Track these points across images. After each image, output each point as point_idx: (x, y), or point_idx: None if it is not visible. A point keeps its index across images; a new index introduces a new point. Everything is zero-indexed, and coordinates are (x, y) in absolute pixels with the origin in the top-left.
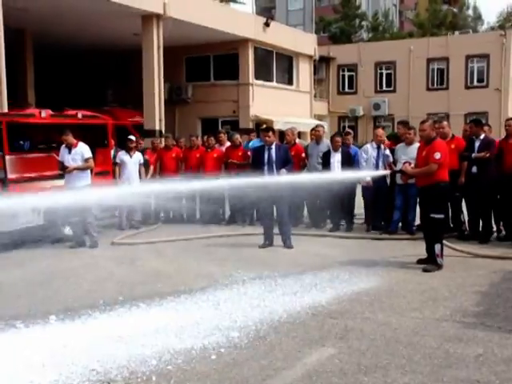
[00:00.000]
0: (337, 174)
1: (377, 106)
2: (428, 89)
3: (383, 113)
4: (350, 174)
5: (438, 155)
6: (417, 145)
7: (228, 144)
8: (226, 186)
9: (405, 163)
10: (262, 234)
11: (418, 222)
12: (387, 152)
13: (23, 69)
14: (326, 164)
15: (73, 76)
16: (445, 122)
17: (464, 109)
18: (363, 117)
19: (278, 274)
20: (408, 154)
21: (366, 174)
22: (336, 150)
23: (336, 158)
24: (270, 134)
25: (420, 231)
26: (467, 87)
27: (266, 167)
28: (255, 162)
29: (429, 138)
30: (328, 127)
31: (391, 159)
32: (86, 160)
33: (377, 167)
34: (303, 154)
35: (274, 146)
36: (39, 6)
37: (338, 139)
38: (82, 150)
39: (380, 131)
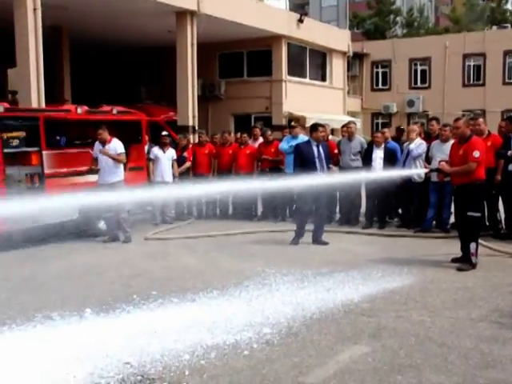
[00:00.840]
0: (376, 173)
1: (411, 103)
2: (464, 85)
3: (417, 110)
4: (388, 173)
5: (477, 153)
6: (452, 142)
7: (261, 140)
8: (275, 187)
9: (441, 161)
10: (294, 230)
11: (452, 220)
12: (411, 147)
13: (60, 66)
14: (367, 160)
15: (108, 73)
16: (480, 119)
17: (501, 105)
18: (397, 114)
19: (310, 271)
20: (444, 152)
21: (403, 172)
22: (378, 147)
23: (378, 155)
24: (322, 129)
25: (454, 229)
26: (505, 83)
27: (317, 164)
28: (303, 159)
29: (463, 135)
30: (361, 124)
31: (415, 153)
32: (119, 155)
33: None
34: (336, 151)
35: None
36: (76, 4)
37: (379, 135)
38: (116, 145)
39: (412, 127)
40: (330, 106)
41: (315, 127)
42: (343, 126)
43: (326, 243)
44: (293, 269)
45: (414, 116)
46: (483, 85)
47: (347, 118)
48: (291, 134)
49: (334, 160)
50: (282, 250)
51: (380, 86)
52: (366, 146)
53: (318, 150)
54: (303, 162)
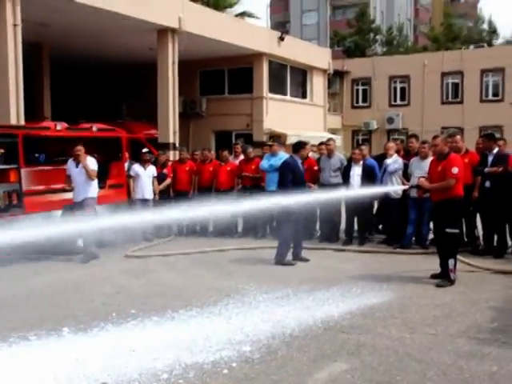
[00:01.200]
0: (354, 190)
1: (391, 120)
2: (442, 103)
3: (397, 126)
4: (367, 190)
5: (455, 170)
6: (430, 159)
7: (242, 157)
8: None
9: (420, 178)
10: (276, 247)
11: (431, 236)
12: (387, 162)
13: (40, 82)
14: (346, 177)
15: (89, 89)
16: (458, 137)
17: (478, 123)
18: (377, 130)
19: (291, 288)
20: (423, 168)
21: (381, 189)
22: (356, 163)
23: (356, 171)
24: (308, 146)
25: (433, 246)
26: (482, 101)
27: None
28: (295, 176)
29: (442, 152)
30: (342, 141)
31: (391, 169)
32: (92, 171)
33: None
34: (316, 167)
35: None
36: (57, 21)
37: (358, 152)
38: (89, 162)
39: (389, 144)
40: (310, 123)
41: (302, 145)
42: (320, 144)
43: (306, 260)
44: (273, 286)
45: (394, 133)
46: (461, 102)
47: (328, 135)
48: (270, 151)
49: (314, 177)
50: (263, 267)
51: (360, 103)
52: (345, 162)
53: (303, 168)
54: (295, 178)
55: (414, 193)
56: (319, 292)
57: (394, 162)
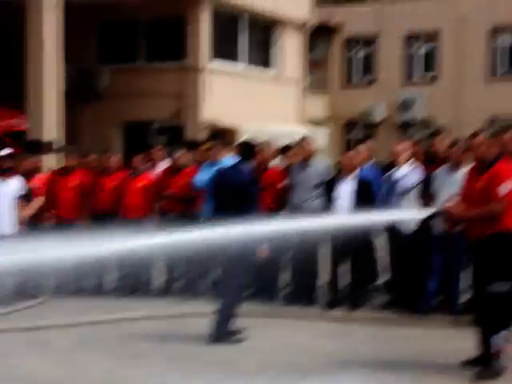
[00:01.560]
0: (342, 218)
1: (406, 105)
2: (492, 77)
3: (416, 116)
4: (362, 219)
5: (505, 187)
6: (467, 169)
7: (165, 165)
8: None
9: (448, 200)
10: (215, 313)
11: (467, 295)
12: (398, 175)
13: None
14: (331, 198)
15: None
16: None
17: None
18: (384, 123)
19: (238, 382)
20: (455, 184)
21: (384, 217)
22: (347, 176)
23: (345, 188)
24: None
25: (470, 311)
26: None
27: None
28: (223, 193)
29: (485, 158)
30: (328, 139)
31: (403, 186)
32: None
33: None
34: (282, 183)
35: None
36: None
37: (351, 157)
38: None
39: (400, 146)
40: (278, 109)
41: (251, 148)
42: (287, 147)
43: (238, 339)
44: (210, 378)
45: (412, 126)
46: None
47: (305, 130)
48: (209, 158)
49: (279, 198)
50: (194, 347)
51: (358, 79)
52: (329, 174)
53: (254, 182)
54: (222, 197)
55: (439, 225)
56: None
57: (407, 174)
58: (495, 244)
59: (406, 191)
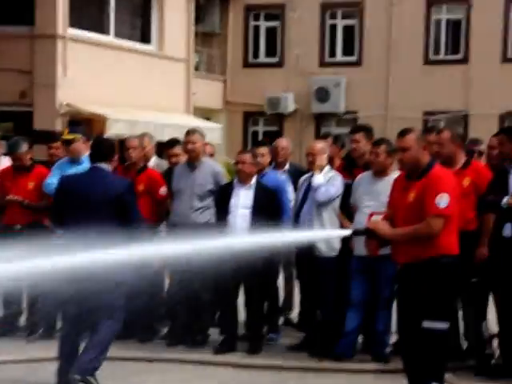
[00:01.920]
0: (244, 238)
1: (323, 94)
2: (427, 62)
3: (335, 108)
4: (272, 239)
5: (443, 200)
6: (393, 176)
7: (5, 164)
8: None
9: (372, 215)
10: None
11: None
12: (316, 182)
13: None
14: (222, 210)
15: None
16: (447, 133)
17: (498, 105)
18: (295, 114)
19: None
20: (380, 194)
21: (302, 237)
22: (243, 183)
23: (241, 199)
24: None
25: (398, 356)
26: (505, 60)
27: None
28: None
29: (417, 164)
30: (222, 135)
31: (322, 196)
32: None
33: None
34: (162, 190)
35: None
36: None
37: (246, 159)
38: None
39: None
40: (158, 95)
41: (108, 146)
42: (170, 144)
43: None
44: None
45: (330, 120)
46: (464, 61)
47: (194, 122)
48: (68, 154)
49: (159, 210)
50: None
51: (262, 58)
52: (222, 180)
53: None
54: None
55: (361, 247)
56: None
57: (328, 181)
58: (429, 272)
59: (326, 203)
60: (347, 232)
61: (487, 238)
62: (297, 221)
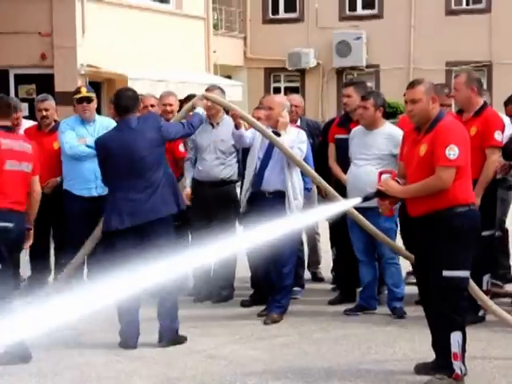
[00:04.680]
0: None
1: (344, 48)
2: (450, 12)
3: (357, 61)
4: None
5: (453, 151)
6: (384, 128)
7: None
8: None
9: (382, 173)
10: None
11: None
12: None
13: None
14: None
15: None
16: (461, 77)
17: None
18: (317, 69)
19: None
20: (370, 147)
21: (312, 214)
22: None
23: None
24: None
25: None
26: None
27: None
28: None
29: (425, 116)
30: (246, 90)
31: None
32: None
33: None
34: (181, 147)
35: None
36: None
37: (261, 114)
38: None
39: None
40: (178, 54)
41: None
42: (187, 98)
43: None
44: None
45: (351, 74)
46: (487, 10)
47: (215, 80)
48: (86, 112)
49: (178, 166)
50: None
51: (281, 14)
52: (246, 134)
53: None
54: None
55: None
56: None
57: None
58: (446, 222)
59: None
60: (358, 200)
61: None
62: (260, 181)
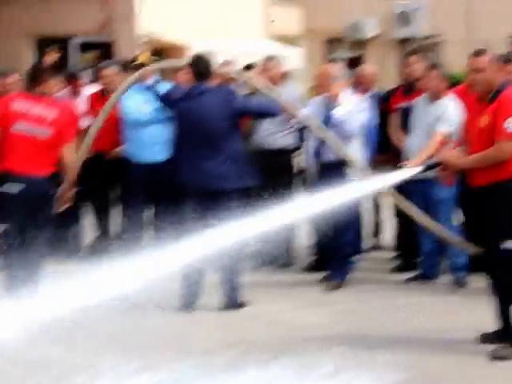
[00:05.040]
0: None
1: (405, 18)
2: None
3: (419, 31)
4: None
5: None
6: (447, 100)
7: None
8: None
9: (443, 143)
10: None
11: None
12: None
13: None
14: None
15: None
16: None
17: None
18: (377, 39)
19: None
20: (430, 118)
21: (373, 184)
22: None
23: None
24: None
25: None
26: None
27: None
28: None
29: (488, 86)
30: (305, 59)
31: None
32: None
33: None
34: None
35: None
36: None
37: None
38: None
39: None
40: (237, 22)
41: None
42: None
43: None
44: (154, 359)
45: (413, 45)
46: None
47: (274, 49)
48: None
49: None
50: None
51: None
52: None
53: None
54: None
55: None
56: (274, 368)
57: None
58: (504, 193)
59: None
60: (418, 169)
61: None
62: (320, 151)
